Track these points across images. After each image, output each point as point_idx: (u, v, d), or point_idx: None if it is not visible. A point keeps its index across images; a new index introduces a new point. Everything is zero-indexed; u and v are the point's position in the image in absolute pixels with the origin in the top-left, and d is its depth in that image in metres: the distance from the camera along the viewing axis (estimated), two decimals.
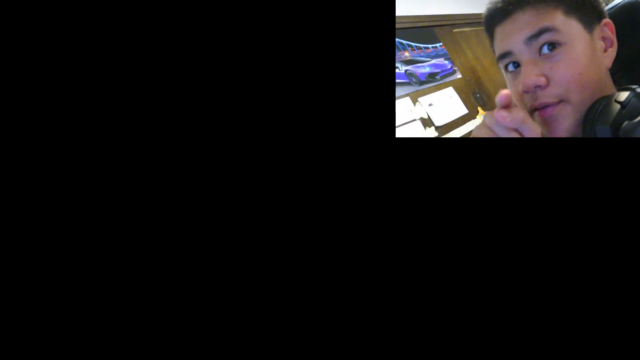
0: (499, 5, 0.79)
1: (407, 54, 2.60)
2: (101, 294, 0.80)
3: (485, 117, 0.70)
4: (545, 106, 0.76)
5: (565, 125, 0.76)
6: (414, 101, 2.46)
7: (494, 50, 0.84)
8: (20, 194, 0.79)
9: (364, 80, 0.82)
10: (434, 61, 2.74)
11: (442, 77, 2.75)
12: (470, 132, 0.77)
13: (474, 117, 2.78)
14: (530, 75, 0.75)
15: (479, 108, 2.88)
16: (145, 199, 0.81)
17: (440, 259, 0.81)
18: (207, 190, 0.81)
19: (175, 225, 0.81)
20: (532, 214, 0.80)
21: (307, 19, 0.82)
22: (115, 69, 0.81)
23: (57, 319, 0.80)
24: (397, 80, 2.44)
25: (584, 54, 0.75)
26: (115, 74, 0.81)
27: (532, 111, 0.77)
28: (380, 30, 0.82)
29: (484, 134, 0.69)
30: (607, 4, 0.87)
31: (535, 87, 0.75)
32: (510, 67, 0.81)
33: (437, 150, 0.80)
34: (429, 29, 2.83)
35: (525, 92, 0.77)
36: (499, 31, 0.81)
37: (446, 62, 2.84)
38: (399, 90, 2.41)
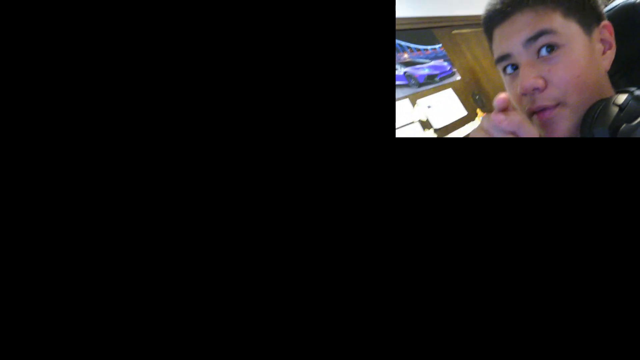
0: (498, 7, 0.79)
1: (406, 55, 2.61)
2: (101, 294, 0.80)
3: (482, 120, 0.70)
4: (543, 109, 0.76)
5: (563, 127, 0.76)
6: (413, 103, 2.46)
7: (492, 52, 0.84)
8: (20, 194, 0.79)
9: (364, 80, 0.81)
10: (433, 63, 2.74)
11: (441, 79, 2.75)
12: (468, 134, 0.77)
13: (473, 119, 2.78)
14: (529, 77, 0.75)
15: (478, 110, 2.88)
16: (145, 199, 0.80)
17: (440, 259, 0.81)
18: (208, 190, 0.81)
19: (175, 225, 0.81)
20: (531, 214, 0.80)
21: (308, 21, 0.81)
22: (115, 69, 0.80)
23: (57, 319, 0.79)
24: (396, 82, 2.43)
25: (582, 56, 0.75)
26: (115, 74, 0.80)
27: (530, 114, 0.77)
28: (380, 31, 0.82)
29: (481, 136, 0.69)
30: (605, 6, 0.87)
31: (533, 90, 0.75)
32: (509, 70, 0.81)
33: (437, 150, 0.80)
34: (428, 31, 2.83)
35: (524, 94, 0.77)
36: (498, 33, 0.81)
37: (445, 63, 2.84)
38: (397, 92, 2.41)
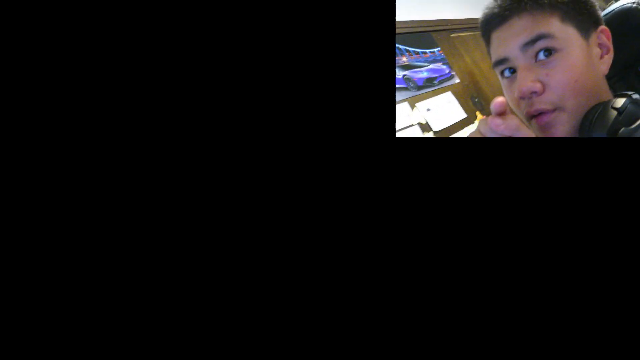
0: (496, 10, 0.79)
1: (404, 59, 2.61)
2: (101, 294, 0.80)
3: (479, 123, 0.70)
4: (541, 113, 0.76)
5: (561, 131, 0.76)
6: (412, 106, 2.46)
7: (490, 55, 0.84)
8: (20, 194, 0.79)
9: (364, 81, 0.81)
10: (431, 66, 2.74)
11: (440, 82, 2.75)
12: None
13: (473, 122, 2.78)
14: (526, 81, 0.75)
15: (478, 112, 2.88)
16: (145, 199, 0.80)
17: (440, 259, 0.80)
18: (207, 191, 0.80)
19: (175, 225, 0.81)
20: (532, 214, 0.80)
21: (309, 23, 0.81)
22: (115, 69, 0.80)
23: (57, 319, 0.79)
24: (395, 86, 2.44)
25: (580, 61, 0.75)
26: (115, 74, 0.80)
27: (529, 118, 0.77)
28: (380, 31, 0.82)
29: None
30: (602, 10, 0.87)
31: (531, 93, 0.75)
32: (507, 73, 0.81)
33: (437, 150, 0.80)
34: (426, 34, 2.84)
35: (521, 98, 0.76)
36: (495, 37, 0.81)
37: (444, 66, 2.84)
38: (396, 96, 2.41)
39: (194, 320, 0.81)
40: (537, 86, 0.74)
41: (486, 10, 0.82)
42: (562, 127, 0.76)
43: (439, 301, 0.80)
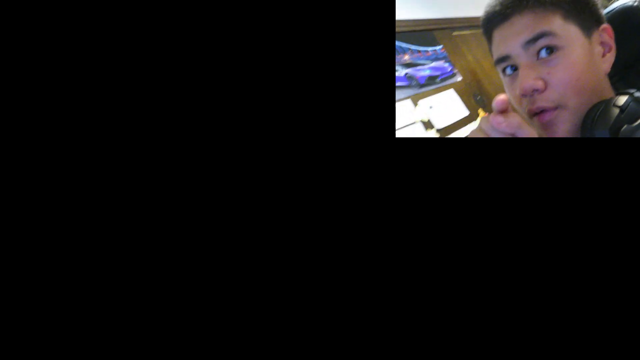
0: (497, 8, 0.79)
1: (407, 57, 2.61)
2: (101, 294, 0.80)
3: (481, 121, 0.70)
4: (542, 110, 0.76)
5: (563, 129, 0.76)
6: (415, 104, 2.46)
7: (492, 53, 0.84)
8: (20, 194, 0.79)
9: (364, 81, 0.81)
10: (434, 64, 2.74)
11: (442, 80, 2.75)
12: (467, 135, 0.77)
13: (475, 119, 2.78)
14: (528, 78, 0.75)
15: (480, 110, 2.88)
16: (145, 199, 0.81)
17: (441, 259, 0.81)
18: (207, 191, 0.81)
19: (175, 225, 0.81)
20: (532, 214, 0.80)
21: (308, 21, 0.81)
22: (115, 69, 0.81)
23: (57, 319, 0.80)
24: (397, 84, 2.44)
25: (582, 59, 0.75)
26: (115, 74, 0.81)
27: (530, 115, 0.77)
28: (380, 31, 0.82)
29: (480, 137, 0.69)
30: (604, 8, 0.87)
31: (533, 91, 0.75)
32: (508, 71, 0.81)
33: (437, 150, 0.80)
34: (428, 32, 2.84)
35: (523, 95, 0.77)
36: (497, 34, 0.81)
37: (446, 64, 2.84)
38: (399, 93, 2.41)
39: (194, 320, 0.81)
40: (539, 84, 0.74)
41: (488, 8, 0.82)
42: (564, 125, 0.76)
43: (440, 301, 0.81)
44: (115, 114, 0.80)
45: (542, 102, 0.75)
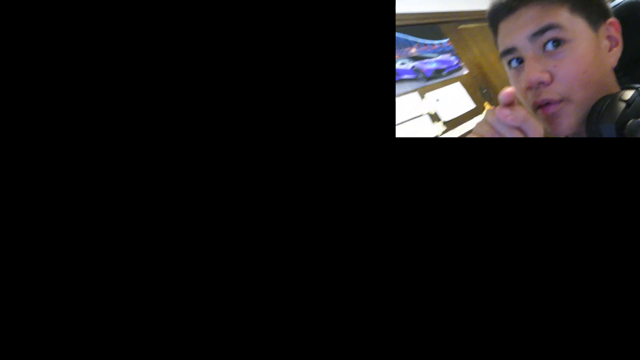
0: (504, 0, 0.79)
1: (413, 50, 2.61)
2: (101, 294, 0.80)
3: (486, 114, 0.69)
4: (547, 103, 0.76)
5: (567, 122, 0.76)
6: (422, 96, 2.46)
7: (497, 46, 0.83)
8: (20, 194, 0.79)
9: (364, 80, 0.81)
10: (440, 57, 2.73)
11: (449, 73, 2.75)
12: (472, 128, 0.76)
13: (481, 112, 2.77)
14: (534, 71, 0.75)
15: (486, 103, 2.87)
16: (145, 199, 0.81)
17: (441, 260, 0.81)
18: (207, 191, 0.81)
19: (175, 225, 0.81)
20: (533, 215, 0.80)
21: (308, 19, 0.81)
22: (115, 69, 0.81)
23: (57, 319, 0.80)
24: (404, 76, 2.44)
25: (588, 52, 0.75)
26: (115, 74, 0.81)
27: (535, 108, 0.77)
28: (380, 30, 0.82)
29: (485, 130, 0.69)
30: (611, 2, 0.86)
31: (538, 84, 0.75)
32: (514, 63, 0.80)
33: (437, 150, 0.80)
34: (435, 26, 2.83)
35: (529, 88, 0.76)
36: (503, 27, 0.80)
37: (452, 58, 2.83)
38: (406, 86, 2.42)
39: (194, 320, 0.81)
40: (545, 76, 0.74)
41: (494, 0, 0.81)
42: (569, 119, 0.76)
43: (440, 301, 0.81)
44: (115, 114, 0.80)
45: (548, 94, 0.75)
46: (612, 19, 0.80)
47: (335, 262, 0.81)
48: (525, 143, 0.80)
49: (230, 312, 0.81)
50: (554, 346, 0.79)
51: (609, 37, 0.79)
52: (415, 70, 2.52)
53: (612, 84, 0.80)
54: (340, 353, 0.80)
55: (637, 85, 0.72)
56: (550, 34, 0.75)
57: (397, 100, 2.28)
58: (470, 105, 2.75)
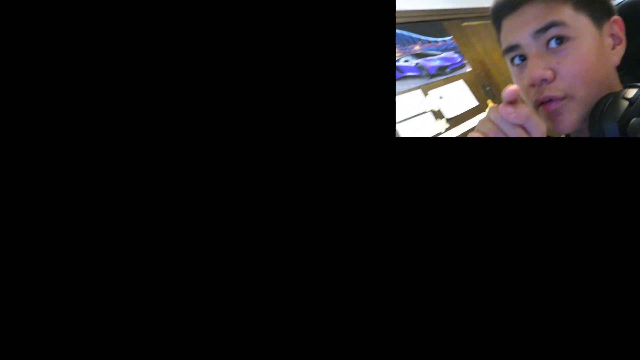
0: None
1: (417, 47, 2.61)
2: (101, 294, 0.81)
3: (489, 111, 0.69)
4: (549, 100, 0.76)
5: (569, 119, 0.76)
6: (425, 94, 2.47)
7: (500, 43, 0.83)
8: (20, 194, 0.80)
9: (365, 81, 0.81)
10: (443, 54, 2.74)
11: (452, 71, 2.75)
12: (475, 126, 0.76)
13: (484, 110, 2.78)
14: (537, 68, 0.75)
15: (489, 101, 2.88)
16: (145, 199, 0.81)
17: (441, 260, 0.81)
18: (207, 191, 0.81)
19: (175, 225, 0.81)
20: (535, 215, 0.80)
21: (308, 17, 0.81)
22: (115, 69, 0.81)
23: (57, 319, 0.80)
24: (408, 73, 2.45)
25: (592, 50, 0.75)
26: (115, 74, 0.81)
27: (536, 105, 0.77)
28: (380, 30, 0.82)
29: (488, 128, 0.68)
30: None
31: (541, 81, 0.75)
32: (517, 61, 0.80)
33: (437, 150, 0.80)
34: (438, 23, 2.83)
35: (532, 85, 0.76)
36: (506, 24, 0.80)
37: (456, 55, 2.84)
38: (410, 83, 2.42)
39: (194, 320, 0.81)
40: (548, 74, 0.74)
41: None
42: (571, 116, 0.76)
43: (440, 301, 0.81)
44: (115, 114, 0.80)
45: (550, 91, 0.75)
46: (615, 17, 0.80)
47: (335, 262, 0.81)
48: (527, 143, 0.80)
49: (230, 312, 0.81)
50: (554, 346, 0.79)
51: (612, 35, 0.79)
52: (419, 68, 2.53)
53: (615, 82, 0.80)
54: (340, 353, 0.80)
55: None
56: (553, 32, 0.74)
57: (401, 97, 2.29)
58: (473, 102, 2.75)
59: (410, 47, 2.56)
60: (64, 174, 0.80)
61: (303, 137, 0.80)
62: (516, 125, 0.66)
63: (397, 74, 2.36)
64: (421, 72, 2.55)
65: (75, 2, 0.80)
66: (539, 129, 0.67)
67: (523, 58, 0.79)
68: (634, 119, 0.68)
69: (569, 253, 0.79)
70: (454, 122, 2.53)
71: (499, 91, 2.87)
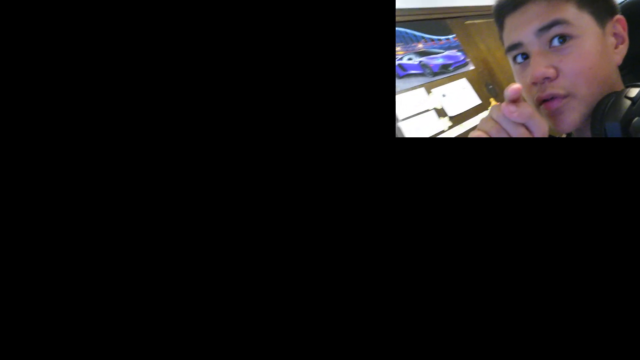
0: None
1: (420, 45, 2.61)
2: (101, 294, 0.81)
3: (492, 110, 0.69)
4: (552, 98, 0.75)
5: (571, 118, 0.76)
6: (428, 92, 2.46)
7: (503, 41, 0.83)
8: (20, 194, 0.80)
9: (365, 81, 0.81)
10: (447, 53, 2.73)
11: (455, 69, 2.75)
12: (477, 125, 0.76)
13: (487, 108, 2.77)
14: (540, 66, 0.75)
15: (492, 99, 2.87)
16: (145, 200, 0.81)
17: (441, 260, 0.81)
18: (207, 191, 0.81)
19: (175, 225, 0.81)
20: (533, 215, 0.80)
21: (308, 18, 0.81)
22: (115, 69, 0.81)
23: (57, 319, 0.80)
24: (411, 71, 2.45)
25: (594, 49, 0.75)
26: (115, 74, 0.81)
27: (538, 103, 0.77)
28: (381, 30, 0.82)
29: (490, 126, 0.68)
30: None
31: (544, 79, 0.75)
32: (519, 59, 0.80)
33: (437, 150, 0.80)
34: (441, 21, 2.83)
35: (534, 83, 0.76)
36: (509, 22, 0.80)
37: (459, 53, 2.83)
38: (413, 81, 2.42)
39: (194, 320, 0.81)
40: (551, 72, 0.74)
41: None
42: (572, 115, 0.75)
43: (440, 302, 0.81)
44: (115, 114, 0.80)
45: (553, 89, 0.75)
46: (618, 16, 0.79)
47: (336, 262, 0.81)
48: (528, 143, 0.80)
49: (230, 312, 0.81)
50: (554, 346, 0.79)
51: (615, 35, 0.79)
52: (422, 66, 2.52)
53: (617, 82, 0.79)
54: (340, 353, 0.80)
55: None
56: (556, 30, 0.74)
57: (404, 95, 2.29)
58: (476, 100, 2.75)
59: (413, 45, 2.56)
60: (64, 174, 0.80)
61: (303, 137, 0.80)
62: (518, 124, 0.66)
63: (401, 72, 2.36)
64: (424, 70, 2.54)
65: (75, 2, 0.80)
66: (541, 127, 0.66)
67: (525, 56, 0.79)
68: (636, 119, 0.68)
69: (571, 252, 0.79)
70: (457, 120, 2.52)
71: (502, 89, 2.86)
